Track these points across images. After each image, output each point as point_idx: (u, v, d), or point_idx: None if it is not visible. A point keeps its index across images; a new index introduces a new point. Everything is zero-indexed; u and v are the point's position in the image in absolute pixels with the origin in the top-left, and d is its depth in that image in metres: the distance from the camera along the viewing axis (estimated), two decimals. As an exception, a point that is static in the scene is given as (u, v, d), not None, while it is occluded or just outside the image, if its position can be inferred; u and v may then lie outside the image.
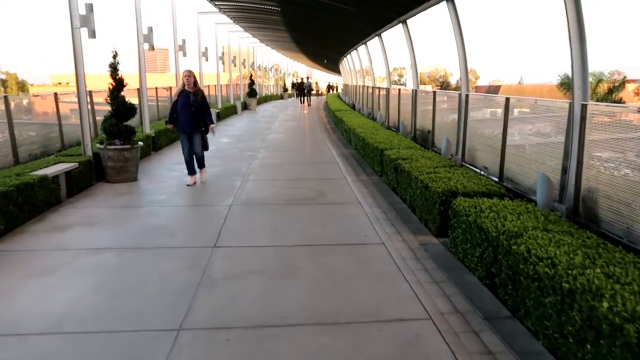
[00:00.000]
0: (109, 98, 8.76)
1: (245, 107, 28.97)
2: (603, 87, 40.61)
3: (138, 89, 12.49)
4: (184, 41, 16.08)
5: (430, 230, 5.90)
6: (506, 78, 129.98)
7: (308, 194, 7.86)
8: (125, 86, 8.94)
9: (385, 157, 8.67)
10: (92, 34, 8.36)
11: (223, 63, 25.25)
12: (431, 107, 11.19)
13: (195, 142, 8.42)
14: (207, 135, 8.61)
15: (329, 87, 64.38)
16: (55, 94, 10.04)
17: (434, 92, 10.68)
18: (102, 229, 6.04)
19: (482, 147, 8.14)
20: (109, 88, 8.77)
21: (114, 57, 8.57)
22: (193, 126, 8.27)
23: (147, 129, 12.20)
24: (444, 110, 10.67)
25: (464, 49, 8.79)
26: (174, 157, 11.46)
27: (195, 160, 8.59)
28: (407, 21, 12.24)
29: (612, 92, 39.42)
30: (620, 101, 39.00)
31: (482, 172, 7.72)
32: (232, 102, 26.05)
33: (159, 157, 11.56)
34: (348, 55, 30.73)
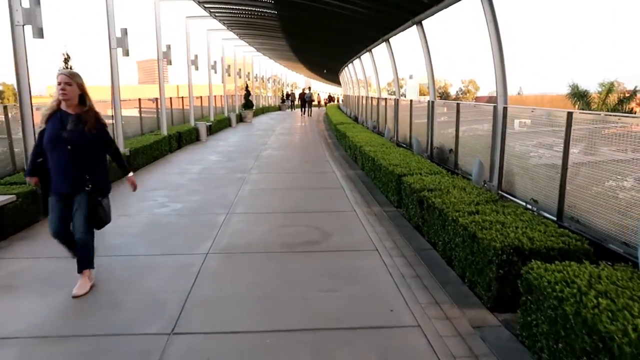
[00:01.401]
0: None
1: (240, 119, 27.38)
2: (613, 98, 39.16)
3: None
4: (168, 47, 14.64)
5: (480, 299, 4.21)
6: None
7: (309, 234, 6.16)
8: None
9: (404, 185, 7.00)
10: (39, 33, 6.78)
11: (215, 72, 23.60)
12: (446, 120, 9.58)
13: (78, 215, 4.31)
14: (129, 191, 5.15)
15: (330, 98, 63.30)
16: (5, 106, 8.39)
17: (458, 104, 9.03)
18: (23, 297, 4.33)
19: (527, 173, 6.46)
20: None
21: (66, 61, 6.96)
22: (74, 182, 4.31)
23: (121, 147, 10.52)
24: (468, 125, 9.02)
25: (501, 52, 7.16)
26: (153, 180, 9.78)
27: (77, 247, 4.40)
28: (423, 22, 10.61)
29: (623, 103, 37.98)
30: (631, 112, 37.55)
31: (530, 207, 6.05)
32: (226, 114, 24.44)
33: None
34: (349, 65, 29.26)
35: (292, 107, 46.15)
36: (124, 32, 10.38)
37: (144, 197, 8.17)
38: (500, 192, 6.99)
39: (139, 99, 15.33)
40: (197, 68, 18.80)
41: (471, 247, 4.38)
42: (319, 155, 13.72)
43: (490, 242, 4.04)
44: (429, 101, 10.67)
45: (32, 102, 6.92)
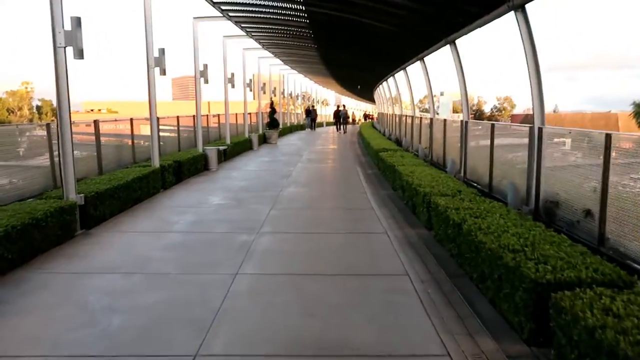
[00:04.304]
0: None
1: (264, 140, 24.10)
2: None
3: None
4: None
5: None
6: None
7: None
8: None
9: (581, 325, 3.26)
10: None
11: (250, 90, 22.02)
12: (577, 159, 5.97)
13: None
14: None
15: (365, 116, 60.37)
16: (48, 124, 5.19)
17: (608, 135, 5.28)
18: None
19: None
20: None
21: None
22: None
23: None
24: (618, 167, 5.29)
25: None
26: (106, 248, 6.38)
27: None
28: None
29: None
30: None
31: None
32: (246, 135, 21.17)
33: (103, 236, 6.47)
34: (384, 83, 25.96)
35: (313, 126, 38.60)
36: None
37: (65, 293, 4.74)
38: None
39: (131, 119, 12.18)
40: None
41: None
42: (359, 197, 10.09)
43: None
44: (534, 127, 6.94)
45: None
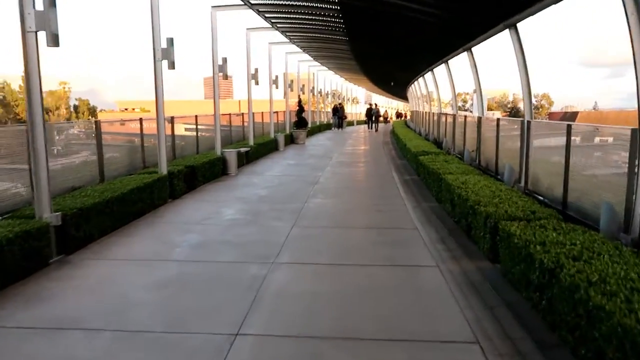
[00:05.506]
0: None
1: (291, 140, 22.69)
2: None
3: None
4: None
5: None
6: (579, 103, 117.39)
7: None
8: None
9: None
10: (172, 66, 8.98)
11: (277, 87, 21.12)
12: None
13: None
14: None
15: (398, 114, 58.92)
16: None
17: None
18: None
19: None
20: None
21: None
22: None
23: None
24: None
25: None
26: (78, 289, 5.02)
27: None
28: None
29: None
30: None
31: None
32: (271, 136, 19.79)
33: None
34: (420, 79, 24.21)
35: (341, 125, 36.74)
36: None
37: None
38: None
39: (140, 119, 10.92)
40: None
41: None
42: (398, 211, 8.50)
43: None
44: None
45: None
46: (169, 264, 5.66)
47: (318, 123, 34.89)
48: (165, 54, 9.34)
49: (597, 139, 6.60)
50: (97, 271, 5.47)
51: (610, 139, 6.20)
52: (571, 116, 72.65)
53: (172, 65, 9.44)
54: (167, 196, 9.13)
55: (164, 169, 9.31)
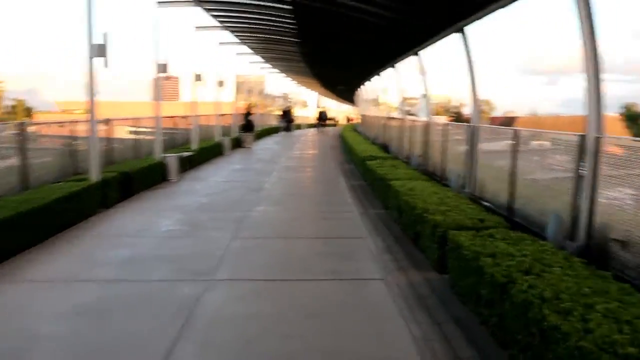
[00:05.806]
0: None
1: (238, 144, 22.06)
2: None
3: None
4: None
5: None
6: (518, 109, 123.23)
7: None
8: None
9: None
10: (106, 64, 8.12)
11: (222, 88, 20.18)
12: None
13: None
14: None
15: (348, 119, 60.53)
16: None
17: None
18: None
19: None
20: None
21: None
22: None
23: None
24: None
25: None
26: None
27: None
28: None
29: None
30: None
31: None
32: (216, 140, 19.12)
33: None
34: (368, 82, 24.30)
35: (289, 128, 36.31)
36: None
37: None
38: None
39: (73, 120, 10.07)
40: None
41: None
42: (345, 219, 8.22)
43: None
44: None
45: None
46: (90, 286, 5.06)
47: (267, 127, 34.31)
48: (100, 51, 8.56)
49: (546, 144, 6.57)
50: (1, 298, 4.79)
51: (555, 145, 6.17)
52: (510, 121, 75.71)
53: (106, 63, 8.60)
54: (97, 205, 8.41)
55: (94, 176, 8.58)
